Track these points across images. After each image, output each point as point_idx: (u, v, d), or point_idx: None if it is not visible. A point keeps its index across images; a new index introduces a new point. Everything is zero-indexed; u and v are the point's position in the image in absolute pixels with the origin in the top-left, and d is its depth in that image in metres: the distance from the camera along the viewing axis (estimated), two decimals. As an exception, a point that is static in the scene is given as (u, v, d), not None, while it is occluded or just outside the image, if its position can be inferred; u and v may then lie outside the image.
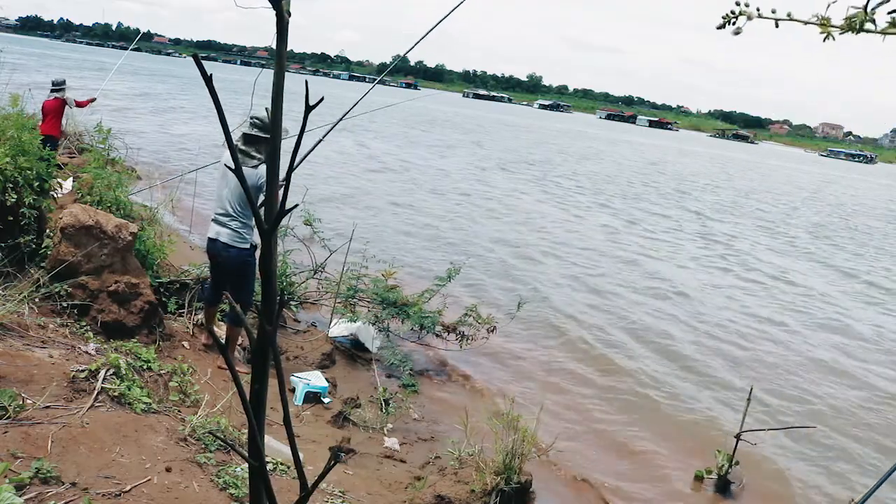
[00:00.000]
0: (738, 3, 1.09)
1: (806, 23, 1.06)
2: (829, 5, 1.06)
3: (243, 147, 4.85)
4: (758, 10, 1.08)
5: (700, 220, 19.71)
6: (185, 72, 68.77)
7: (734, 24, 1.09)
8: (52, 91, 9.65)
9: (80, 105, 9.93)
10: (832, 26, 1.04)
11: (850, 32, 1.04)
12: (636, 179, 28.84)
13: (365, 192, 16.52)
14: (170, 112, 29.19)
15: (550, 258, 12.47)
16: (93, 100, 10.23)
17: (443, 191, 18.48)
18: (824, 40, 1.06)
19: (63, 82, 9.74)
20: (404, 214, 14.53)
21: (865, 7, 1.03)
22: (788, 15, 1.09)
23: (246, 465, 1.30)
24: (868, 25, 1.04)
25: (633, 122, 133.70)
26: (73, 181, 7.86)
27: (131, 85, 38.47)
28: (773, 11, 1.09)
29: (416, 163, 23.67)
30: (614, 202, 20.80)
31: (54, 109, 9.57)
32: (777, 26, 1.11)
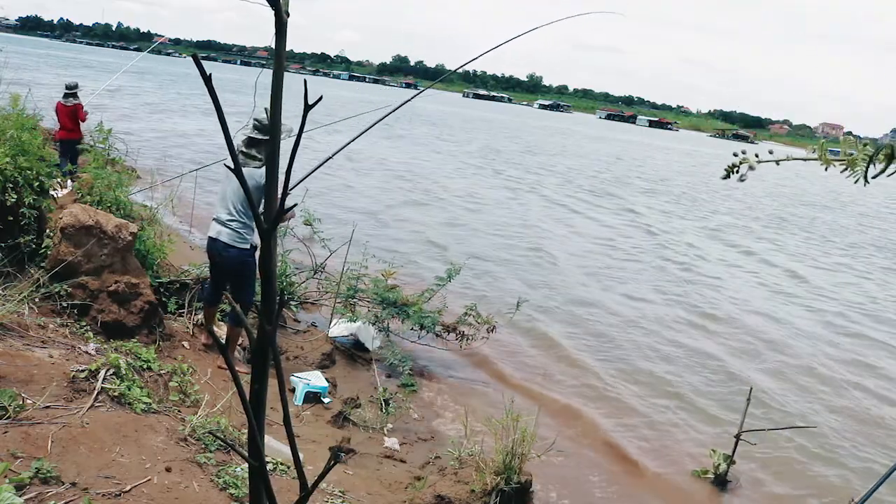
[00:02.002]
0: (735, 155, 1.19)
1: (806, 159, 1.15)
2: (822, 142, 1.17)
3: (245, 150, 4.86)
4: (756, 155, 1.19)
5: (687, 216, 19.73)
6: (177, 70, 68.70)
7: (738, 172, 1.18)
8: (66, 95, 9.87)
9: (82, 118, 10.11)
10: (833, 160, 1.15)
11: (848, 169, 1.15)
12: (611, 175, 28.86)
13: (357, 190, 16.53)
14: (163, 111, 29.17)
15: (547, 257, 12.47)
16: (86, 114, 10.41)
17: (429, 188, 18.51)
18: (826, 170, 1.17)
19: (76, 86, 9.98)
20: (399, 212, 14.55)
21: (870, 158, 1.14)
22: (787, 156, 1.19)
23: (246, 465, 1.30)
24: (865, 163, 1.16)
25: (633, 122, 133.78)
26: (73, 181, 7.86)
27: (121, 84, 38.34)
28: (771, 152, 1.20)
29: (405, 161, 23.73)
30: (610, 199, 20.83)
31: (71, 114, 9.81)
32: (778, 164, 1.21)
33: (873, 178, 1.10)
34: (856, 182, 1.12)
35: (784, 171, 44.58)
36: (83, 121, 9.96)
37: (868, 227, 23.97)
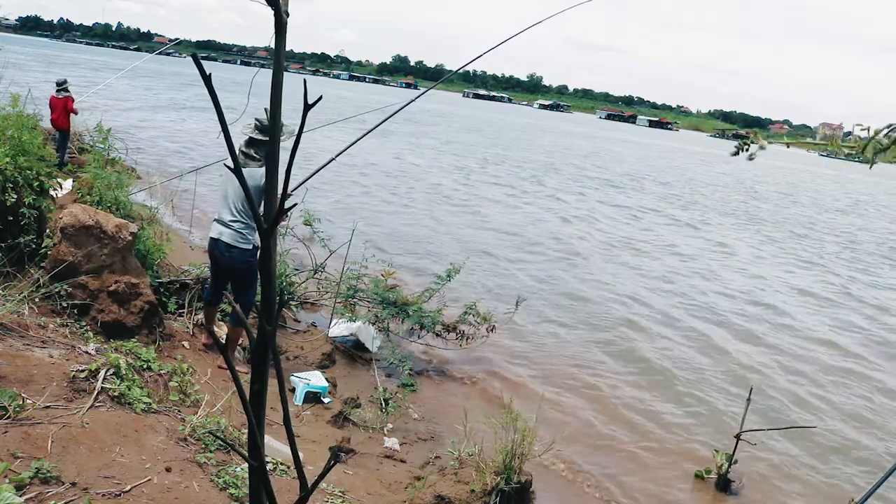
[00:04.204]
0: (723, 134, 1.22)
1: (815, 144, 1.18)
2: (818, 125, 1.19)
3: (245, 149, 4.86)
4: (767, 136, 1.22)
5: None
6: (177, 70, 68.73)
7: (747, 150, 1.21)
8: (58, 90, 11.12)
9: (73, 111, 11.34)
10: (841, 146, 1.17)
11: (856, 153, 1.18)
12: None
13: (348, 190, 16.54)
14: (162, 111, 29.19)
15: (539, 255, 12.47)
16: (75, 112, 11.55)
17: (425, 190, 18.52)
18: (836, 155, 1.19)
19: (65, 81, 11.32)
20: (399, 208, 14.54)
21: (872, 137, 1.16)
22: (797, 140, 1.23)
23: (246, 465, 1.30)
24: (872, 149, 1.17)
25: (634, 122, 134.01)
26: (73, 181, 7.87)
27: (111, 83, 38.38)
28: (766, 136, 1.22)
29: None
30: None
31: (62, 106, 11.04)
32: (788, 147, 1.24)
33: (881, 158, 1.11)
34: (868, 164, 1.13)
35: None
36: (74, 113, 11.21)
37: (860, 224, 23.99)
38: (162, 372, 4.03)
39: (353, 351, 6.60)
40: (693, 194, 26.56)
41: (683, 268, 13.16)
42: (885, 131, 1.12)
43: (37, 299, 4.31)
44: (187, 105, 33.62)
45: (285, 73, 1.00)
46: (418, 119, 47.94)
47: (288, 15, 0.98)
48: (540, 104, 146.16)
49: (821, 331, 10.21)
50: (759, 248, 16.52)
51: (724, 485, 5.38)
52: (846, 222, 24.58)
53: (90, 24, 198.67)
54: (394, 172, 20.67)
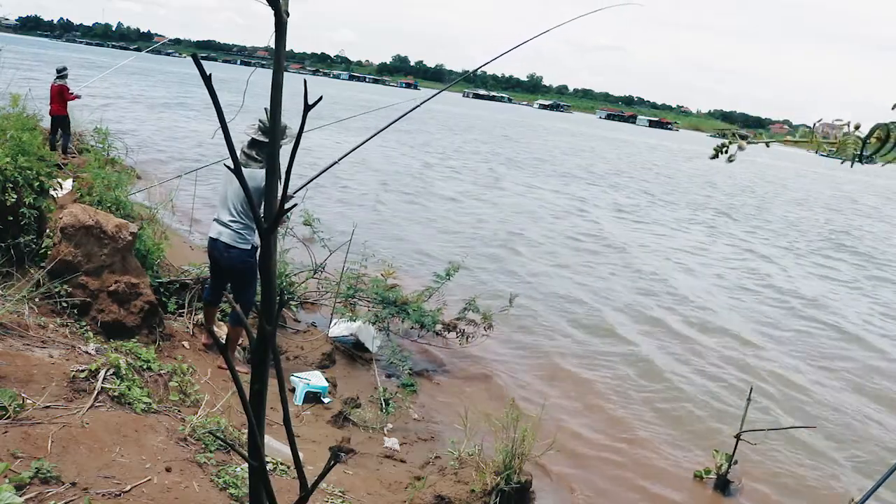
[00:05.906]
0: (723, 135, 1.19)
1: (795, 142, 1.16)
2: (815, 123, 1.17)
3: (247, 150, 4.86)
4: (746, 137, 1.20)
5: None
6: (177, 70, 68.74)
7: (727, 152, 1.19)
8: (57, 77, 11.61)
9: (69, 98, 11.73)
10: (824, 142, 1.16)
11: (838, 152, 1.17)
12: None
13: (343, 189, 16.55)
14: (163, 111, 29.19)
15: (534, 252, 12.47)
16: (78, 97, 11.98)
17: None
18: (816, 152, 1.18)
19: (65, 69, 11.83)
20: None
21: (866, 138, 1.15)
22: (773, 137, 1.22)
23: (246, 465, 1.30)
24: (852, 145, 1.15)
25: (634, 122, 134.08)
26: (73, 181, 7.87)
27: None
28: (762, 134, 1.21)
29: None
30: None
31: (56, 92, 11.50)
32: (768, 146, 1.22)
33: (867, 157, 1.11)
34: (843, 162, 1.13)
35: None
36: (70, 99, 11.66)
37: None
38: (162, 372, 4.03)
39: (353, 351, 6.60)
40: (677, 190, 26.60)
41: (682, 266, 13.16)
42: (875, 132, 1.11)
43: (37, 299, 4.31)
44: (188, 105, 33.62)
45: (285, 74, 1.00)
46: (419, 119, 47.94)
47: (288, 15, 0.97)
48: (540, 104, 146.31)
49: (821, 330, 10.21)
50: (757, 245, 16.53)
51: (723, 485, 5.37)
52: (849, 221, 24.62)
53: (90, 25, 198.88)
54: (391, 172, 20.67)
